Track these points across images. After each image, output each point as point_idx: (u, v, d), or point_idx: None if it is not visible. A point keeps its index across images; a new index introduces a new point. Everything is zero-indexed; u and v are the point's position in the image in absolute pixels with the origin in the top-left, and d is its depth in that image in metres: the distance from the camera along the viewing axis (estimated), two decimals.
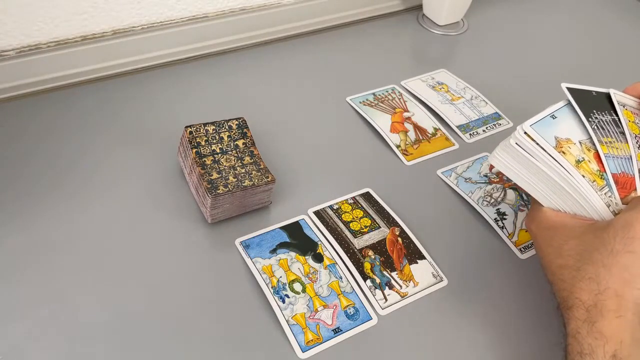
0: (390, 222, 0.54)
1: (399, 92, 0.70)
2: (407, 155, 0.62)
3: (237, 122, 0.55)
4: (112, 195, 0.54)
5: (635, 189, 0.42)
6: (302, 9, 0.76)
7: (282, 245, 0.51)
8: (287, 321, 0.45)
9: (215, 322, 0.46)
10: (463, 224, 0.56)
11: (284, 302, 0.47)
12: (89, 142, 0.59)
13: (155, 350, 0.43)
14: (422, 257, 0.52)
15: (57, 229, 0.50)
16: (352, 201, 0.56)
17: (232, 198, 0.50)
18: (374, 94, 0.69)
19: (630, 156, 0.43)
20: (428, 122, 0.66)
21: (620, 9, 0.93)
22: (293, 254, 0.50)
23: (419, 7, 0.86)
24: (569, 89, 0.45)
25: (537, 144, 0.42)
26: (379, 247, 0.52)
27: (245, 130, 0.55)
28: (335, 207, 0.55)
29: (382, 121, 0.65)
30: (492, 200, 0.57)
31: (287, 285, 0.48)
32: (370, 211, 0.55)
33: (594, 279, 0.38)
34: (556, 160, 0.41)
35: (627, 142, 0.44)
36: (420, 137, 0.64)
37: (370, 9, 0.83)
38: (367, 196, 0.56)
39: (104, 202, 0.53)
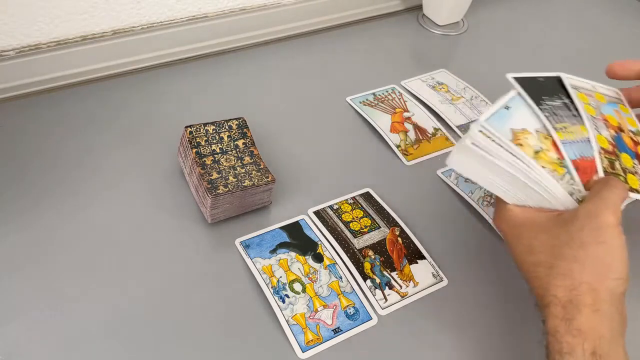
0: (390, 222, 0.54)
1: (399, 92, 0.70)
2: (407, 155, 0.62)
3: (237, 122, 0.55)
4: (112, 196, 0.54)
5: (597, 172, 0.41)
6: (302, 9, 0.76)
7: (282, 245, 0.51)
8: (287, 321, 0.45)
9: (215, 322, 0.46)
10: (463, 224, 0.56)
11: (284, 302, 0.47)
12: (89, 142, 0.59)
13: (154, 350, 0.43)
14: (422, 257, 0.52)
15: (57, 228, 0.50)
16: (352, 201, 0.56)
17: (232, 198, 0.50)
18: (374, 94, 0.69)
19: (588, 138, 0.42)
20: (428, 122, 0.66)
21: (620, 9, 0.93)
22: (293, 254, 0.50)
23: (419, 7, 0.86)
24: (515, 78, 0.43)
25: (494, 140, 0.40)
26: (379, 247, 0.52)
27: (245, 130, 0.55)
28: (335, 207, 0.55)
29: (382, 121, 0.65)
30: (492, 200, 0.57)
31: (287, 285, 0.48)
32: (370, 211, 0.55)
33: (567, 275, 0.37)
34: (514, 155, 0.40)
35: (583, 124, 0.42)
36: (420, 137, 0.64)
37: (370, 9, 0.83)
38: (367, 196, 0.56)
39: (103, 202, 0.53)
